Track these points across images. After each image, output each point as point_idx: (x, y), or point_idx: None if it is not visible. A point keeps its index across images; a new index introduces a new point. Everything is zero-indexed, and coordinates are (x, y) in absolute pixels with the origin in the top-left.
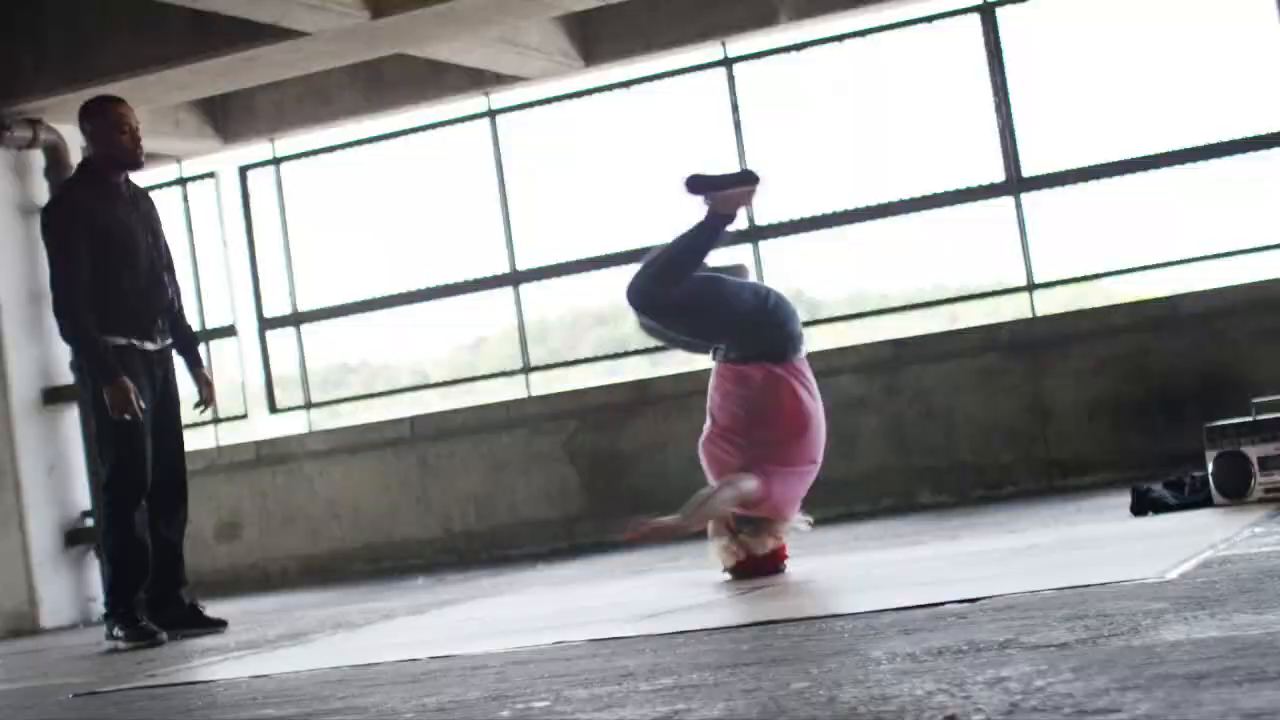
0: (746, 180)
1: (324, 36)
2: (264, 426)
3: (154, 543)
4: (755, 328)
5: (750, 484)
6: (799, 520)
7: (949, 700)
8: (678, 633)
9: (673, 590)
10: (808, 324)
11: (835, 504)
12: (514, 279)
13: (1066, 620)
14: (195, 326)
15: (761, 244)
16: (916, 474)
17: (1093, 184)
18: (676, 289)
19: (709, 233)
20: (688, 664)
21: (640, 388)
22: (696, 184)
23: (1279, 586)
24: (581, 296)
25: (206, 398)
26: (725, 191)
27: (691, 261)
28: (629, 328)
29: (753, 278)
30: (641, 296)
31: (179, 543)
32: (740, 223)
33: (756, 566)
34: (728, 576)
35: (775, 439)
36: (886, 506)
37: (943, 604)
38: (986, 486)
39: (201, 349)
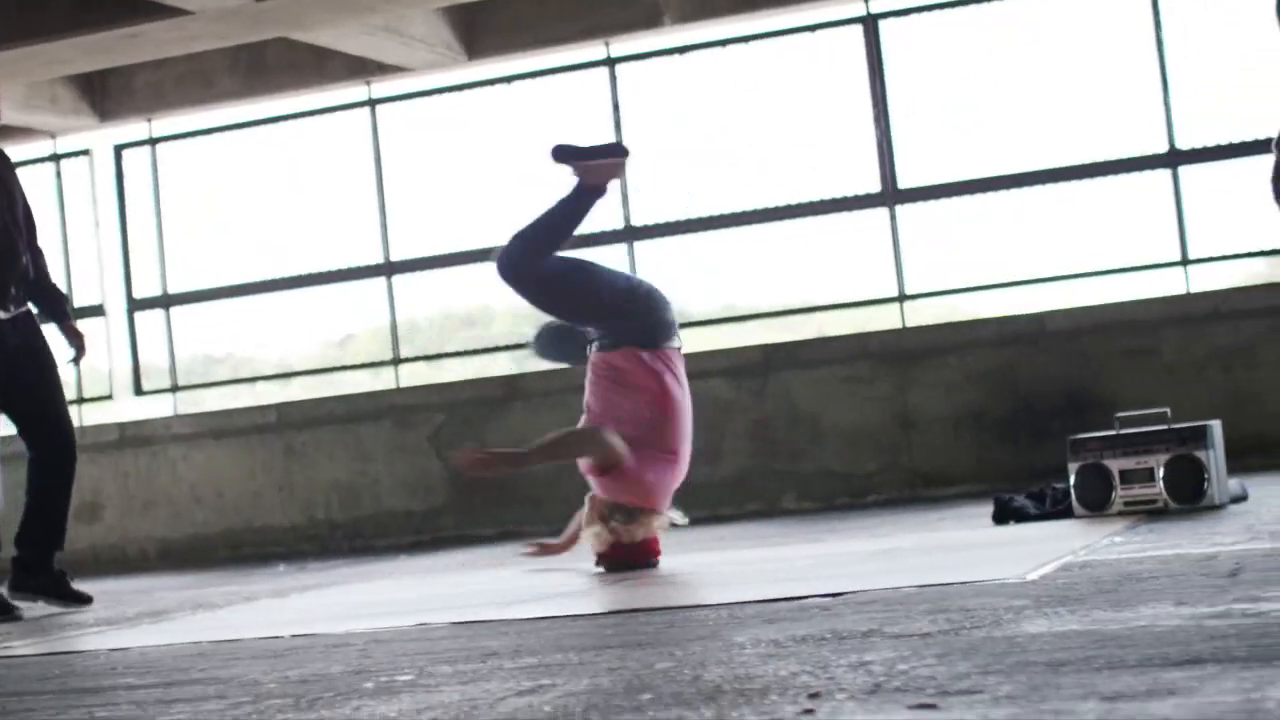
0: (615, 152)
1: (207, 16)
2: (129, 409)
3: (38, 505)
4: (624, 313)
5: (616, 439)
6: (672, 514)
7: (813, 680)
8: (541, 618)
9: (539, 580)
10: (681, 326)
11: (700, 506)
12: (387, 269)
13: (929, 613)
14: None
15: (636, 245)
16: (781, 479)
17: (966, 199)
18: (545, 263)
19: (578, 204)
20: (551, 645)
21: (509, 383)
22: (563, 153)
23: (1137, 588)
24: (451, 297)
25: (78, 348)
26: (593, 162)
27: (561, 231)
28: (497, 329)
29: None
30: (510, 266)
31: (64, 506)
32: (615, 216)
33: (628, 558)
34: (599, 569)
35: (643, 421)
36: (751, 511)
37: (806, 597)
38: (851, 494)
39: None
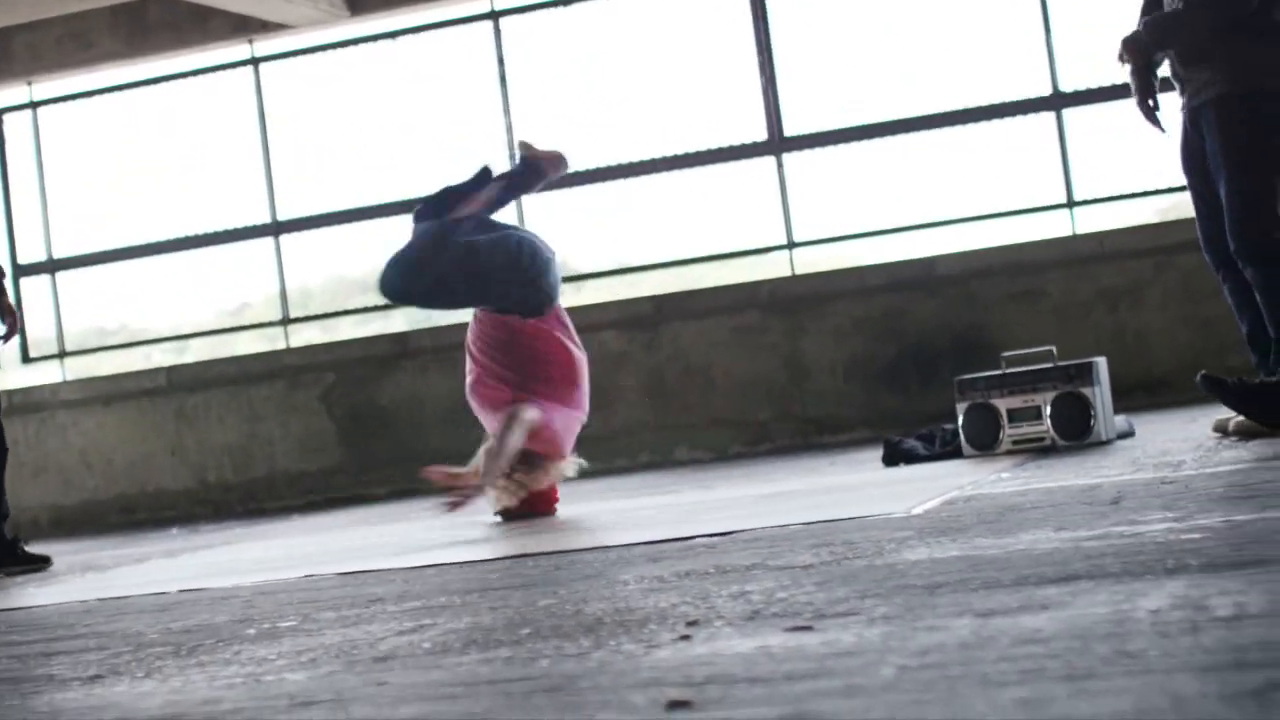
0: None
1: None
2: (16, 376)
3: None
4: (507, 286)
5: (532, 413)
6: (573, 461)
7: (693, 610)
8: (429, 565)
9: (432, 533)
10: (571, 279)
11: (593, 459)
12: (275, 229)
13: (812, 547)
14: None
15: (524, 199)
16: (675, 430)
17: (853, 145)
18: (431, 273)
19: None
20: (436, 590)
21: (399, 340)
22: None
23: (1019, 517)
24: (343, 263)
25: (9, 325)
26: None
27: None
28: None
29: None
30: (396, 293)
31: None
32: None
33: (527, 507)
34: (497, 519)
35: (548, 377)
36: (644, 462)
37: (693, 537)
38: (744, 443)
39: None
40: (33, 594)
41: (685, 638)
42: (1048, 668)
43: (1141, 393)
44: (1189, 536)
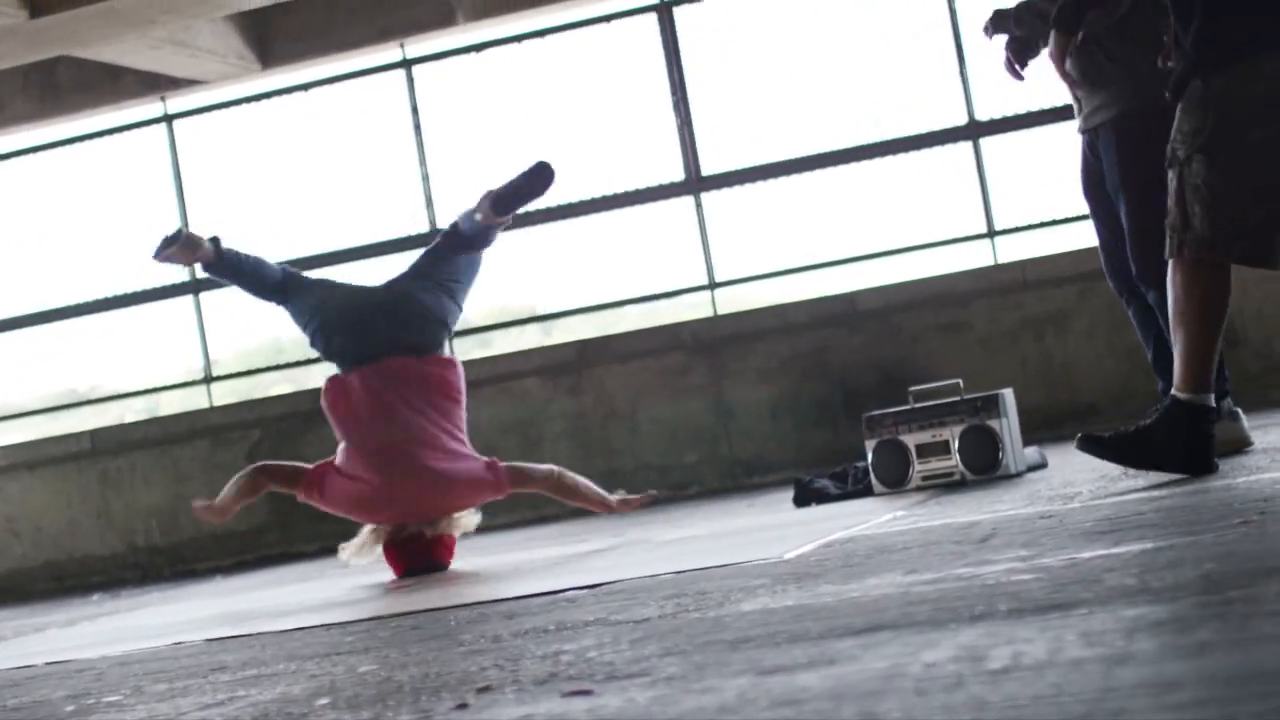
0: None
1: None
2: None
3: None
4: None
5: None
6: (473, 516)
7: (495, 674)
8: (295, 629)
9: (332, 591)
10: (493, 327)
11: (521, 508)
12: (194, 287)
13: (666, 598)
14: None
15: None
16: (601, 476)
17: (771, 182)
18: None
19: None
20: (283, 656)
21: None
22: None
23: (880, 560)
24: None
25: None
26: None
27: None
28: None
29: None
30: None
31: None
32: (420, 220)
33: (420, 562)
34: (394, 576)
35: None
36: (573, 509)
37: (561, 591)
38: (671, 487)
39: None
40: None
41: (462, 706)
42: None
43: (1071, 421)
44: (1020, 578)
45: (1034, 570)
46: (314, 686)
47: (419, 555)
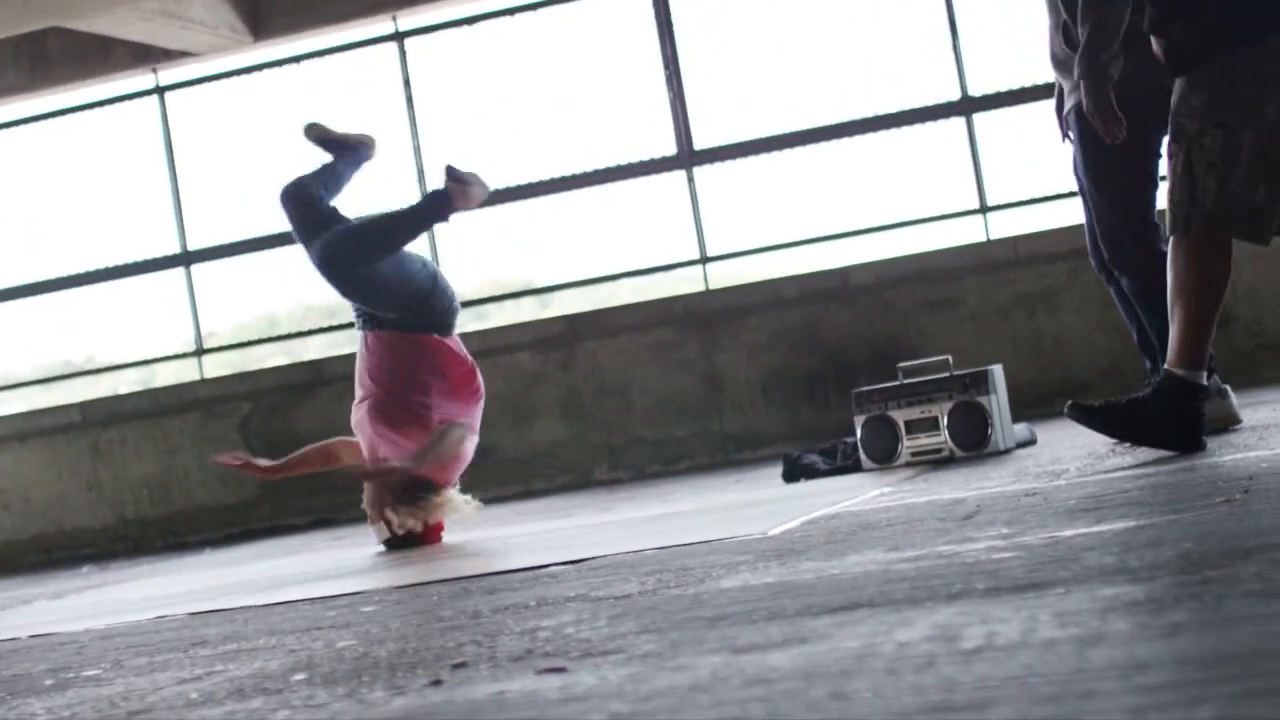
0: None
1: None
2: None
3: None
4: (425, 302)
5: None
6: (467, 500)
7: (472, 650)
8: (278, 603)
9: (320, 565)
10: (486, 301)
11: (511, 481)
12: (185, 259)
13: (647, 574)
14: None
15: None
16: (593, 450)
17: (764, 157)
18: (365, 265)
19: (426, 221)
20: (264, 630)
21: (314, 368)
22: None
23: (863, 537)
24: (258, 300)
25: None
26: (471, 188)
27: (400, 240)
28: (305, 322)
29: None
30: (339, 264)
31: None
32: (413, 194)
33: (413, 537)
34: (381, 549)
35: (458, 402)
36: (562, 483)
37: (544, 566)
38: (663, 461)
39: None
40: None
41: (436, 683)
42: (750, 715)
43: (1063, 398)
44: (999, 556)
45: (1014, 548)
46: (291, 661)
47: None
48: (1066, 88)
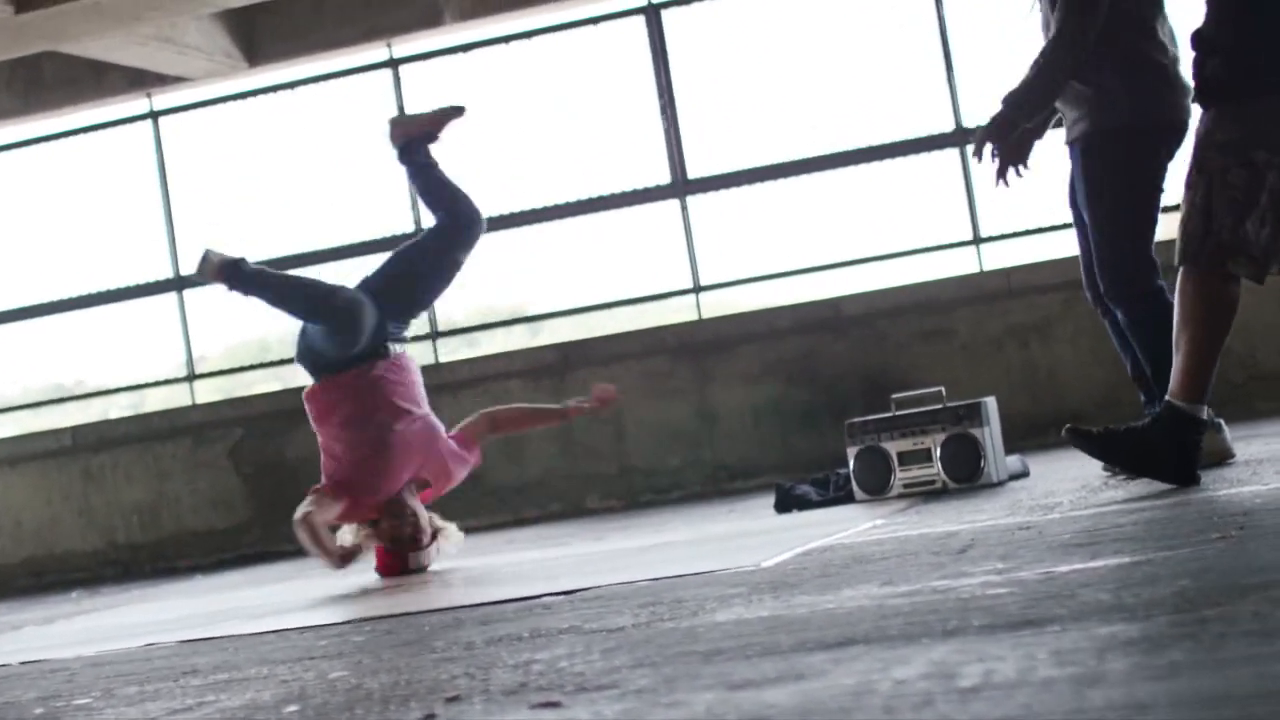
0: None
1: None
2: None
3: None
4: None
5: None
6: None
7: (466, 682)
8: (269, 631)
9: (310, 592)
10: (477, 328)
11: (503, 510)
12: (178, 284)
13: (640, 607)
14: None
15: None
16: (585, 479)
17: (758, 186)
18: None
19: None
20: (256, 659)
21: None
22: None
23: (857, 570)
24: (249, 325)
25: None
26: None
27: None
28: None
29: None
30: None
31: None
32: (405, 219)
33: (402, 564)
34: (375, 576)
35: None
36: (554, 512)
37: (537, 597)
38: (655, 491)
39: None
40: None
41: (430, 717)
42: None
43: (1055, 429)
44: (995, 592)
45: (1009, 584)
46: (284, 693)
47: (400, 559)
48: (1069, 118)
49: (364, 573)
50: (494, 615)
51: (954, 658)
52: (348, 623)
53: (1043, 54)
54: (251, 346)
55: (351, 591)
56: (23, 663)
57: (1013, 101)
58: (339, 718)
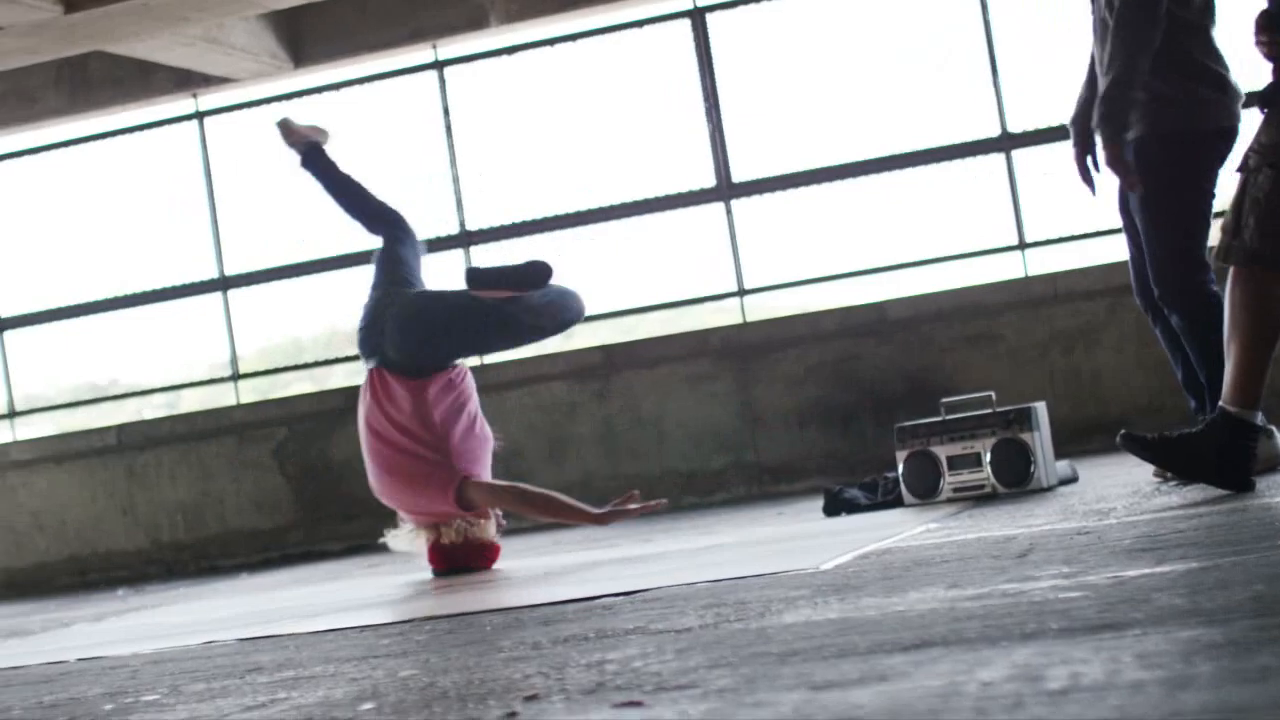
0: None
1: (16, 31)
2: None
3: None
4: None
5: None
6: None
7: (541, 682)
8: (329, 630)
9: (364, 591)
10: None
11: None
12: (222, 284)
13: (705, 608)
14: None
15: (472, 249)
16: (627, 481)
17: (802, 190)
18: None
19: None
20: (320, 658)
21: (349, 395)
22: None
23: (921, 573)
24: (285, 326)
25: None
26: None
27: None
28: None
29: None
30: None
31: None
32: (450, 221)
33: (464, 562)
34: (433, 573)
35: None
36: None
37: (597, 598)
38: (698, 493)
39: None
40: None
41: (511, 715)
42: None
43: (1099, 435)
44: (1067, 595)
45: (1080, 588)
46: (356, 690)
47: (458, 557)
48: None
49: (413, 573)
50: (554, 616)
51: (1037, 660)
52: (407, 622)
53: (1117, 23)
54: (287, 346)
55: (404, 591)
56: (80, 659)
57: (1113, 81)
58: (418, 715)
